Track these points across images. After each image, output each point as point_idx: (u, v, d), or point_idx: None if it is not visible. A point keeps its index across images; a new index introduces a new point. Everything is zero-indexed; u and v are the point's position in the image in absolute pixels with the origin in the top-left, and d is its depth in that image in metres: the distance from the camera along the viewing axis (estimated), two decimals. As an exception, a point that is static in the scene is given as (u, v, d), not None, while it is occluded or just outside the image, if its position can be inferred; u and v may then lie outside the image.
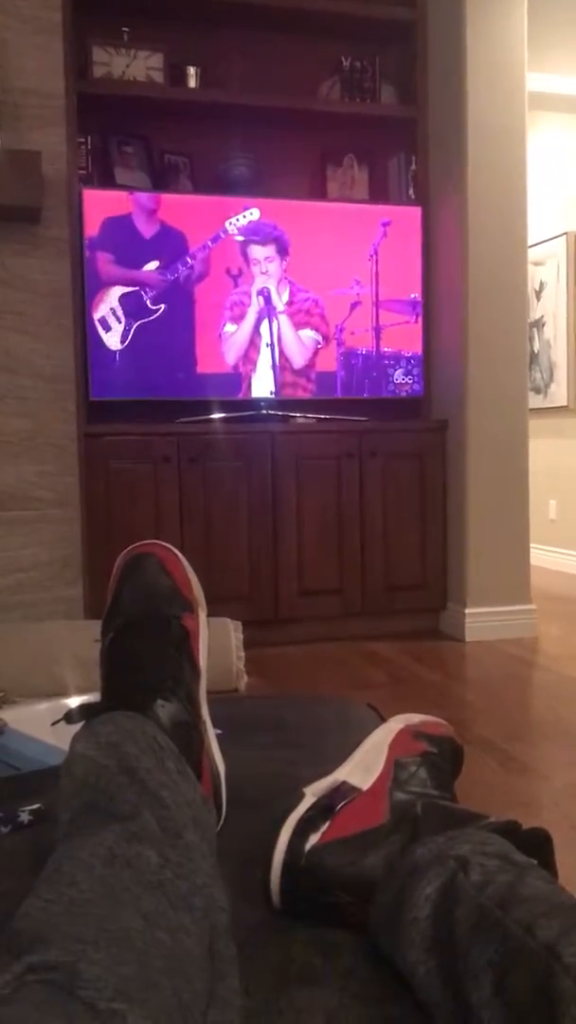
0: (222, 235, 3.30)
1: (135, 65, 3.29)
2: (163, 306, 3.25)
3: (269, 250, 3.35)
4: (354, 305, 3.44)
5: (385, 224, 3.45)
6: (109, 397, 3.23)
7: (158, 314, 3.25)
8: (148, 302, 3.24)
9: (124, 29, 3.30)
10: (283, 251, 3.37)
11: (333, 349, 3.44)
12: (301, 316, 3.40)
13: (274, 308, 3.36)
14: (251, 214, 3.31)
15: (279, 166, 3.56)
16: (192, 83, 3.35)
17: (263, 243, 3.34)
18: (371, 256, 3.45)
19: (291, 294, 3.38)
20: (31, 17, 2.71)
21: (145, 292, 3.24)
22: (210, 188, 3.45)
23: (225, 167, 3.45)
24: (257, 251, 3.34)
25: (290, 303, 3.38)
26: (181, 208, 3.27)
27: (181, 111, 3.40)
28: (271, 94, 3.42)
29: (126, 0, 3.26)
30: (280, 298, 3.37)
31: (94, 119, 3.27)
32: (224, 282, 3.33)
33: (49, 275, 2.77)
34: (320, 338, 3.41)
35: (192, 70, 3.34)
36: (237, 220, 3.31)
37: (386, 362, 3.49)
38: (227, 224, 3.30)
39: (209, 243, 3.29)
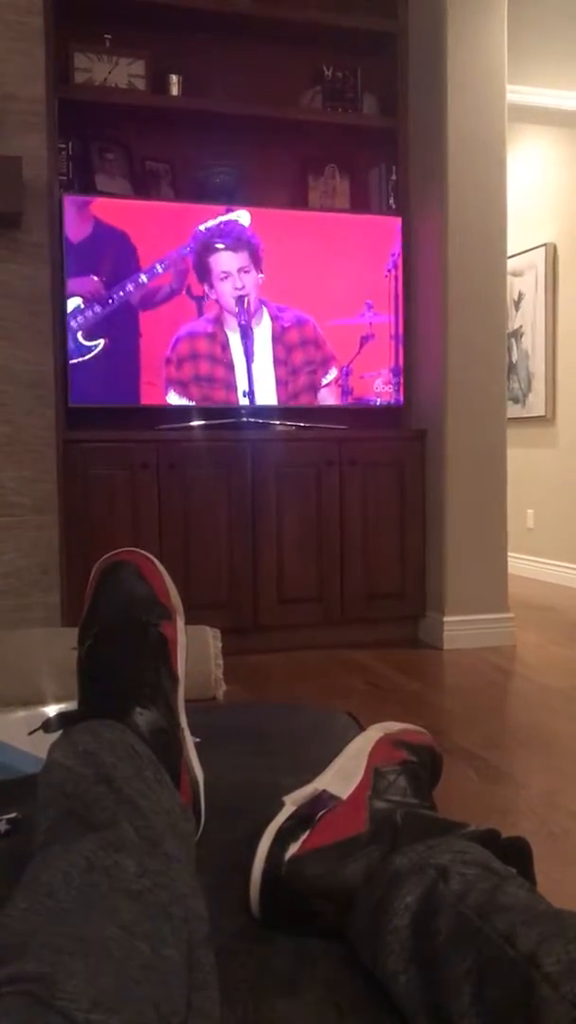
0: (189, 246, 3.30)
1: (117, 72, 3.29)
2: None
3: (242, 258, 3.35)
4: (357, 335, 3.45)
5: (404, 235, 3.49)
6: (88, 403, 3.21)
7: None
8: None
9: (106, 36, 3.29)
10: (257, 261, 3.37)
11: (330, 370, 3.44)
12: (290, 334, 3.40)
13: (249, 321, 3.36)
14: (239, 216, 3.31)
15: (260, 175, 3.56)
16: (174, 91, 3.35)
17: (235, 250, 3.34)
18: (389, 272, 3.48)
19: (274, 311, 3.38)
20: (13, 22, 2.70)
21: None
22: (191, 196, 3.45)
23: (206, 175, 3.45)
24: (227, 261, 3.34)
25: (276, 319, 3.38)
26: (161, 213, 3.27)
27: (163, 118, 3.40)
28: (253, 103, 3.43)
29: (109, 7, 3.25)
30: (262, 313, 3.37)
31: (75, 125, 3.26)
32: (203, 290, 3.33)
33: (29, 280, 2.76)
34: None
35: (174, 78, 3.34)
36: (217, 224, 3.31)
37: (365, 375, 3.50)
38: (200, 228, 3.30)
39: (189, 245, 3.29)
